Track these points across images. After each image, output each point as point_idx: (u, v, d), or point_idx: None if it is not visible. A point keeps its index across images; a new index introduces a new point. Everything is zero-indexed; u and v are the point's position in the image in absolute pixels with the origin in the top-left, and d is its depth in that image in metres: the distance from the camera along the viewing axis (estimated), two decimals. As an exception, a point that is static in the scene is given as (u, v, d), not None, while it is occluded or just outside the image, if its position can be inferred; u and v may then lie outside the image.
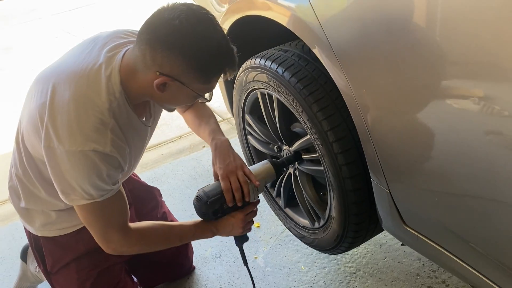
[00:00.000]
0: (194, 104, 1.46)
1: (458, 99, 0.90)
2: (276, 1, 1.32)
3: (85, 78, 1.08)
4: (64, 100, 1.06)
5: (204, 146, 2.62)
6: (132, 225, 1.25)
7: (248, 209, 1.34)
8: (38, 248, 1.42)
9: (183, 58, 1.02)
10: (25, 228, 1.44)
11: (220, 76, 1.10)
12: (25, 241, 1.74)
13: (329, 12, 1.12)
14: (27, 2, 7.44)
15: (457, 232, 1.04)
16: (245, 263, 1.42)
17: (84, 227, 1.32)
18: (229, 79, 1.13)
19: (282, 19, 1.31)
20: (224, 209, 1.31)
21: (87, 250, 1.37)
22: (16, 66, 4.61)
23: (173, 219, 1.72)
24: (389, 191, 1.16)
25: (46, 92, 1.09)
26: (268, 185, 1.73)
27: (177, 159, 2.50)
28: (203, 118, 1.46)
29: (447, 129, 0.93)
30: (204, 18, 1.03)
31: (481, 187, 0.92)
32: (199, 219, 1.35)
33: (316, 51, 1.20)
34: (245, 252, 1.42)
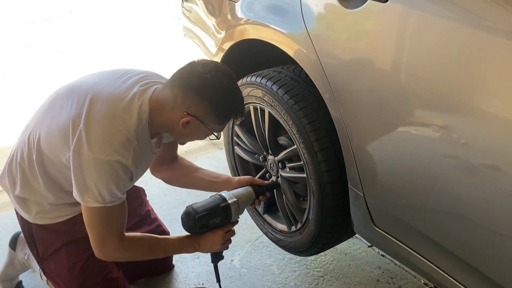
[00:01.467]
0: (176, 159, 1.68)
1: (420, 126, 1.14)
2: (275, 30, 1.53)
3: (121, 101, 1.28)
4: (100, 115, 1.25)
5: (181, 159, 2.77)
6: (126, 234, 1.38)
7: (228, 227, 1.52)
8: (31, 235, 1.51)
9: (209, 104, 1.27)
10: (18, 216, 1.52)
11: (231, 119, 1.37)
12: (10, 231, 1.79)
13: (326, 48, 1.34)
14: (-5, 10, 7.36)
15: (420, 230, 1.26)
16: (218, 280, 1.58)
17: (74, 217, 1.45)
18: (237, 123, 1.47)
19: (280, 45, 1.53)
20: (209, 225, 1.48)
21: (76, 237, 1.48)
22: (-15, 70, 4.57)
23: (156, 217, 1.84)
24: (363, 194, 1.37)
25: (82, 104, 1.27)
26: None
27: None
28: (197, 167, 1.71)
29: (412, 148, 1.17)
30: (227, 74, 1.31)
31: (438, 197, 1.15)
32: (182, 234, 1.51)
33: (312, 77, 1.42)
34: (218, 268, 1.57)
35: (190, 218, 1.45)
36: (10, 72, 4.55)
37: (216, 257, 1.56)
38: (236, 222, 1.57)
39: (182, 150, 2.83)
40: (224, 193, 1.54)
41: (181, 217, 1.48)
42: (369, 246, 1.93)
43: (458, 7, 1.02)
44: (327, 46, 1.34)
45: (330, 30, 1.34)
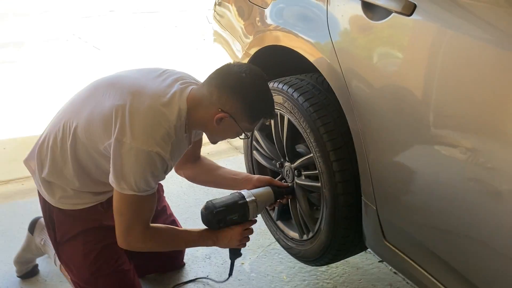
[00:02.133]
0: (199, 158, 1.75)
1: (440, 145, 1.12)
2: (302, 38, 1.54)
3: (163, 98, 1.34)
4: (144, 108, 1.31)
5: (203, 160, 2.80)
6: (151, 225, 1.43)
7: (247, 225, 1.56)
8: (51, 219, 1.56)
9: (242, 102, 1.32)
10: (40, 199, 1.58)
11: (261, 120, 1.42)
12: (27, 217, 1.86)
13: (349, 58, 1.34)
14: (40, 3, 7.67)
15: (431, 249, 1.23)
16: (230, 275, 1.62)
17: (94, 206, 1.49)
18: (267, 124, 1.53)
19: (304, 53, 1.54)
20: (226, 221, 1.52)
21: (94, 225, 1.53)
22: (26, 61, 4.77)
23: (171, 213, 1.87)
24: (376, 208, 1.35)
25: (126, 96, 1.33)
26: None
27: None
28: (218, 166, 1.77)
29: (430, 167, 1.15)
30: (262, 76, 1.37)
31: (452, 217, 1.13)
32: (200, 227, 1.55)
33: (333, 87, 1.42)
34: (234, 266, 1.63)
35: (209, 212, 1.50)
36: (50, 65, 4.73)
37: (234, 254, 1.62)
38: (255, 221, 1.60)
39: (204, 152, 2.87)
40: (244, 192, 1.58)
41: (201, 211, 1.53)
42: (379, 261, 1.90)
43: (486, 24, 1.00)
44: (350, 57, 1.34)
45: (354, 41, 1.34)
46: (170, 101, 1.34)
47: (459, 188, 1.10)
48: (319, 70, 1.47)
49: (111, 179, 1.33)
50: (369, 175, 1.34)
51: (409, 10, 1.12)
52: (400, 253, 1.32)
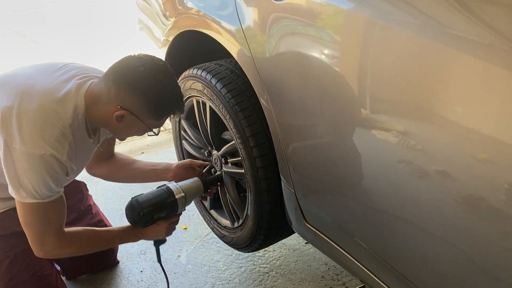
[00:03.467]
0: (112, 156, 1.66)
1: (347, 125, 1.10)
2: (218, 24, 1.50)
3: (55, 95, 1.24)
4: (33, 109, 1.20)
5: (142, 153, 2.73)
6: (66, 229, 1.35)
7: (174, 218, 1.51)
8: None
9: (143, 98, 1.23)
10: None
11: (169, 115, 1.33)
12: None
13: (257, 42, 1.31)
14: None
15: (347, 229, 1.23)
16: (159, 260, 1.56)
17: (4, 212, 1.41)
18: (176, 119, 1.43)
19: (218, 37, 1.50)
20: (153, 219, 1.45)
21: (6, 233, 1.44)
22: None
23: (97, 211, 1.81)
24: (294, 191, 1.34)
25: (14, 97, 1.22)
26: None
27: (114, 162, 2.59)
28: (134, 159, 1.69)
29: (337, 146, 1.14)
30: (164, 69, 1.27)
31: (363, 196, 1.12)
32: (127, 223, 1.48)
33: (246, 71, 1.39)
34: (160, 252, 1.57)
35: (135, 212, 1.42)
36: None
37: (159, 241, 1.55)
38: (181, 213, 1.55)
39: (144, 144, 2.81)
40: (172, 186, 1.50)
41: (125, 209, 1.45)
42: (305, 243, 1.91)
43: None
44: (258, 40, 1.31)
45: (260, 23, 1.30)
46: (64, 98, 1.24)
47: (368, 167, 1.09)
48: (232, 54, 1.43)
49: (10, 189, 1.24)
50: (285, 158, 1.33)
51: (308, -12, 1.10)
52: (320, 234, 1.33)
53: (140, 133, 1.36)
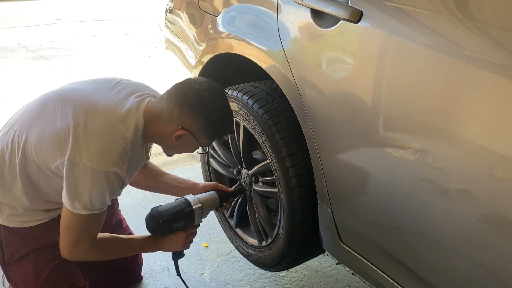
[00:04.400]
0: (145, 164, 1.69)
1: (388, 148, 1.16)
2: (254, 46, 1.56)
3: (118, 113, 1.30)
4: (99, 126, 1.27)
5: (159, 170, 2.75)
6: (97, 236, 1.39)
7: (190, 230, 1.56)
8: None
9: (203, 120, 1.31)
10: None
11: (221, 136, 1.42)
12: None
13: (300, 66, 1.37)
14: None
15: (386, 249, 1.27)
16: (178, 273, 1.61)
17: (45, 223, 1.43)
18: (225, 139, 1.53)
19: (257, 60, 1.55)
20: (172, 229, 1.51)
21: (46, 243, 1.46)
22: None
23: (127, 226, 1.82)
24: (332, 211, 1.38)
25: (79, 113, 1.28)
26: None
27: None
28: (163, 172, 1.74)
29: (380, 169, 1.19)
30: (222, 93, 1.37)
31: (403, 216, 1.16)
32: (147, 234, 1.53)
33: (286, 94, 1.44)
34: (180, 268, 1.62)
35: (154, 221, 1.48)
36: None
37: (177, 255, 1.60)
38: (199, 225, 1.59)
39: (160, 161, 2.83)
40: (190, 198, 1.56)
41: (146, 219, 1.51)
42: (337, 263, 1.93)
43: (429, 31, 1.04)
44: (301, 64, 1.36)
45: (305, 49, 1.36)
46: (126, 116, 1.30)
47: (408, 188, 1.13)
48: (272, 77, 1.49)
49: (65, 199, 1.28)
50: (323, 179, 1.37)
51: (357, 17, 1.16)
52: (356, 254, 1.35)
53: (191, 150, 1.43)
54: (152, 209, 1.51)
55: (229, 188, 1.70)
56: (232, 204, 1.77)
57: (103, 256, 1.47)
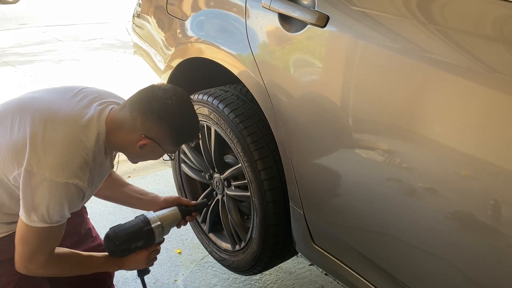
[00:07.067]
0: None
1: (357, 149, 1.18)
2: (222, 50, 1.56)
3: (79, 122, 1.26)
4: (59, 136, 1.22)
5: (129, 176, 2.71)
6: (55, 251, 1.33)
7: (153, 247, 1.51)
8: None
9: (168, 128, 1.28)
10: None
11: (187, 143, 1.42)
12: None
13: (269, 70, 1.38)
14: None
15: (357, 249, 1.29)
16: None
17: (7, 236, 1.38)
18: (192, 145, 1.49)
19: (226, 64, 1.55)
20: (131, 249, 1.46)
21: (10, 256, 1.40)
22: None
23: (97, 235, 1.78)
24: (304, 213, 1.39)
25: (38, 123, 1.23)
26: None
27: (101, 186, 2.56)
28: (125, 182, 1.68)
29: (349, 170, 1.21)
30: (187, 100, 1.33)
31: (372, 217, 1.19)
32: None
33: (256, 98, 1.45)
34: (145, 282, 1.58)
35: (111, 243, 1.43)
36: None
37: (141, 272, 1.55)
38: (161, 242, 1.55)
39: (131, 167, 2.79)
40: (149, 215, 1.51)
41: (103, 240, 1.46)
42: (310, 265, 1.95)
43: (393, 34, 1.07)
44: (271, 68, 1.38)
45: (273, 53, 1.37)
46: (87, 124, 1.26)
47: (377, 188, 1.16)
48: (242, 81, 1.49)
49: (21, 212, 1.23)
50: (295, 181, 1.38)
51: (323, 21, 1.18)
52: (328, 255, 1.37)
53: (157, 157, 1.39)
54: (109, 229, 1.46)
55: (192, 202, 1.65)
56: (203, 211, 1.73)
57: (60, 273, 1.41)
